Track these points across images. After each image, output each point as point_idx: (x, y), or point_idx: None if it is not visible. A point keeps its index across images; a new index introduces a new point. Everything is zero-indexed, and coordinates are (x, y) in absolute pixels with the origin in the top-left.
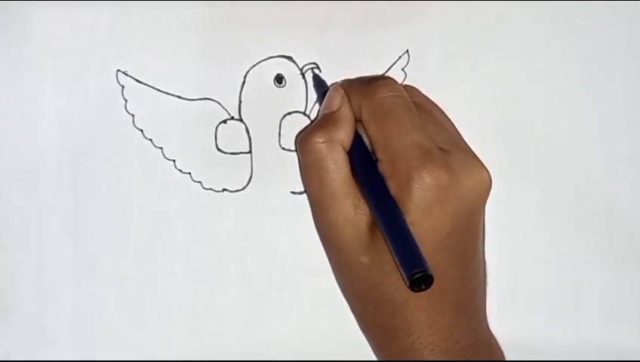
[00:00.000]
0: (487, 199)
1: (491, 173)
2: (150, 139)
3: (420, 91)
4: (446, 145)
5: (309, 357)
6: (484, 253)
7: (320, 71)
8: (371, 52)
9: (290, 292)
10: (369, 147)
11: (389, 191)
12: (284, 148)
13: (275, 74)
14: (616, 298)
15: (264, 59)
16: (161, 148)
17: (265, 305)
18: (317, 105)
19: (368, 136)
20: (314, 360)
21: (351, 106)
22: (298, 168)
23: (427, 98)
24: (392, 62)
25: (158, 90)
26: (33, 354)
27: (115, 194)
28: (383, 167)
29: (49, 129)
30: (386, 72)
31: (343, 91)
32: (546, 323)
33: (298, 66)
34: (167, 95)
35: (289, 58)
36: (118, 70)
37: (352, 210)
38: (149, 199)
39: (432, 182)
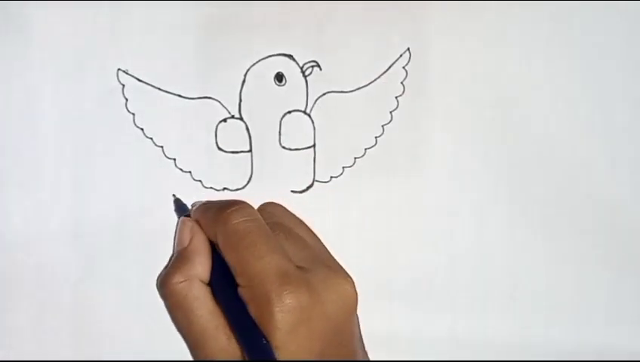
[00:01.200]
0: (354, 311)
1: (491, 173)
2: (151, 138)
3: (282, 208)
4: (306, 264)
5: None
6: (363, 349)
7: (320, 69)
8: (372, 50)
9: None
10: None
11: (250, 317)
12: (284, 147)
13: (275, 72)
14: (616, 298)
15: (264, 58)
16: (162, 146)
17: None
18: (317, 105)
19: (227, 262)
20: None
21: (205, 234)
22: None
23: (290, 215)
24: (393, 61)
25: (159, 88)
26: (33, 354)
27: (115, 193)
28: (244, 292)
29: (49, 128)
30: (387, 70)
31: (191, 224)
32: (546, 323)
33: (298, 65)
34: (167, 94)
35: (289, 56)
36: (119, 69)
37: (226, 341)
38: (149, 198)
39: (293, 304)
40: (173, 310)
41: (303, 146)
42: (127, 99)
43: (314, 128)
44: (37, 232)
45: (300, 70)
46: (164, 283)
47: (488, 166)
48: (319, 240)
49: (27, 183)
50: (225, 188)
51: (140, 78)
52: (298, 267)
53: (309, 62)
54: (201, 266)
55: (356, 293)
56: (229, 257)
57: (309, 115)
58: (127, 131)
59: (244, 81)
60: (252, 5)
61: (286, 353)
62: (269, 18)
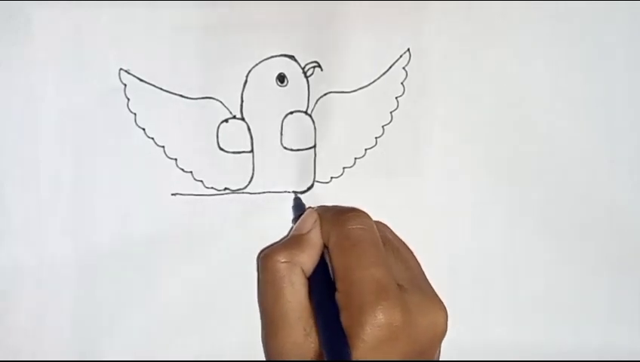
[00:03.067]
0: (441, 340)
1: (491, 173)
2: (152, 138)
3: (390, 229)
4: (406, 284)
5: None
6: None
7: (322, 69)
8: (373, 50)
9: None
10: (332, 276)
11: (340, 323)
12: (285, 148)
13: (277, 73)
14: (616, 298)
15: (266, 59)
16: (163, 146)
17: None
18: (318, 105)
19: (331, 265)
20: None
21: (322, 232)
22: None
23: (397, 236)
24: (393, 61)
25: (161, 88)
26: (33, 354)
27: (116, 193)
28: (340, 298)
29: (50, 128)
30: (387, 70)
31: (317, 216)
32: (546, 323)
33: (300, 65)
34: (169, 94)
35: (291, 57)
36: (121, 69)
37: (302, 336)
38: (150, 198)
39: (384, 320)
40: (265, 285)
41: (304, 147)
42: (128, 99)
43: (315, 129)
44: (37, 232)
45: (301, 71)
46: (268, 257)
47: (488, 166)
48: (419, 265)
49: (27, 183)
50: (226, 189)
51: (142, 78)
52: (398, 285)
53: (311, 62)
54: (309, 257)
55: (447, 324)
56: (337, 259)
57: (310, 116)
58: (129, 131)
59: (245, 82)
60: (254, 6)
61: None
62: (271, 19)
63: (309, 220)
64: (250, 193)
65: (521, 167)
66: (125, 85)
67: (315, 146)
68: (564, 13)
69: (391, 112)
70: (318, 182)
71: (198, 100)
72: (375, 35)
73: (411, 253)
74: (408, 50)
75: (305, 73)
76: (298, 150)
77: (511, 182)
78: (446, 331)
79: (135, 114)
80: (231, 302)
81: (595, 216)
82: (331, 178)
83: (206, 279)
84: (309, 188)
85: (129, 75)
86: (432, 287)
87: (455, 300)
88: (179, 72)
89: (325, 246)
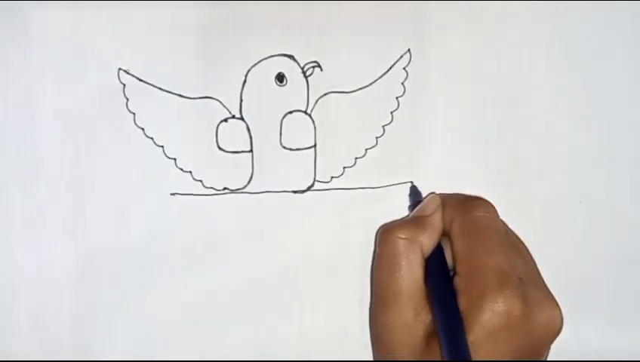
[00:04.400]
0: (554, 339)
1: (491, 173)
2: (151, 138)
3: (508, 226)
4: (525, 277)
5: (309, 357)
6: None
7: (321, 69)
8: (373, 51)
9: (290, 292)
10: (449, 262)
11: (457, 305)
12: (285, 147)
13: (276, 72)
14: (616, 298)
15: (265, 58)
16: (162, 146)
17: (265, 305)
18: (318, 105)
19: (453, 249)
20: (314, 359)
21: (443, 218)
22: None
23: (514, 233)
24: (394, 62)
25: (160, 88)
26: (33, 354)
27: (115, 192)
28: (459, 282)
29: (50, 128)
30: (388, 70)
31: (440, 201)
32: None
33: (299, 65)
34: (168, 93)
35: (290, 57)
36: (120, 68)
37: (412, 315)
38: (149, 198)
39: (504, 308)
40: (382, 259)
41: (304, 146)
42: (127, 99)
43: (315, 128)
44: (37, 232)
45: (300, 70)
46: (388, 231)
47: (488, 166)
48: (535, 263)
49: (27, 183)
50: (225, 188)
51: (141, 78)
52: (518, 278)
53: (310, 62)
54: (429, 238)
55: (563, 323)
56: (460, 243)
57: (310, 115)
58: (128, 131)
59: (245, 81)
60: (253, 5)
61: (479, 352)
62: (270, 18)
63: (432, 203)
64: (250, 193)
65: (521, 167)
66: (124, 85)
67: (315, 146)
68: (565, 12)
69: (391, 112)
70: (318, 181)
71: (197, 100)
72: (375, 35)
73: (528, 249)
74: (409, 50)
75: (304, 73)
76: (297, 149)
77: (511, 182)
78: (561, 331)
79: (134, 114)
80: (231, 302)
81: (595, 215)
82: (331, 177)
83: (205, 279)
84: (309, 188)
85: (128, 75)
86: (547, 286)
87: None
88: (178, 72)
89: (444, 234)
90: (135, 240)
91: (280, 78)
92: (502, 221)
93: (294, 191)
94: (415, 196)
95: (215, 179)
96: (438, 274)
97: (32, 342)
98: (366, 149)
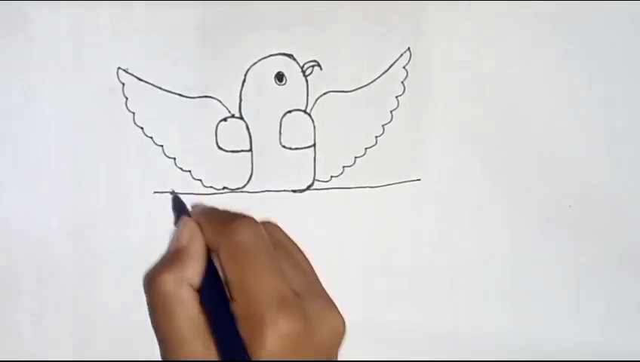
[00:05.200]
0: (340, 345)
1: (491, 173)
2: (150, 137)
3: (282, 230)
4: (302, 290)
5: None
6: None
7: (321, 68)
8: (372, 50)
9: None
10: (224, 281)
11: (237, 333)
12: (284, 147)
13: (275, 72)
14: (616, 298)
15: (265, 57)
16: (162, 146)
17: None
18: (318, 104)
19: (224, 275)
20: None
21: (204, 239)
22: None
23: (289, 238)
24: (394, 60)
25: (159, 87)
26: (33, 354)
27: (115, 192)
28: (237, 307)
29: (49, 127)
30: (388, 69)
31: (193, 225)
32: (545, 322)
33: (299, 64)
34: (167, 93)
35: (290, 56)
36: (119, 68)
37: (202, 352)
38: (149, 197)
39: (287, 330)
40: (156, 308)
41: (304, 146)
42: (127, 98)
43: (314, 127)
44: (37, 232)
45: (300, 69)
46: (152, 280)
47: (488, 166)
48: (313, 268)
49: (27, 183)
50: (225, 188)
51: (140, 77)
52: (294, 292)
53: (310, 61)
54: (193, 270)
55: (345, 328)
56: (229, 270)
57: (310, 115)
58: (127, 130)
59: (244, 81)
60: (252, 4)
61: None
62: (270, 17)
63: (186, 231)
64: (249, 192)
65: (521, 167)
66: (123, 84)
67: (314, 145)
68: (565, 12)
69: (391, 111)
70: (317, 180)
71: (197, 99)
72: (375, 34)
73: (303, 254)
74: (409, 49)
75: (304, 72)
76: (297, 149)
77: (511, 182)
78: (344, 335)
79: (133, 113)
80: None
81: (595, 215)
82: (331, 177)
83: None
84: (308, 187)
85: (127, 74)
86: (326, 291)
87: (455, 300)
88: (177, 71)
89: (212, 251)
90: (134, 239)
91: (279, 77)
92: (275, 229)
93: (294, 191)
94: (178, 208)
95: (214, 178)
96: (214, 304)
97: (32, 342)
98: (366, 148)
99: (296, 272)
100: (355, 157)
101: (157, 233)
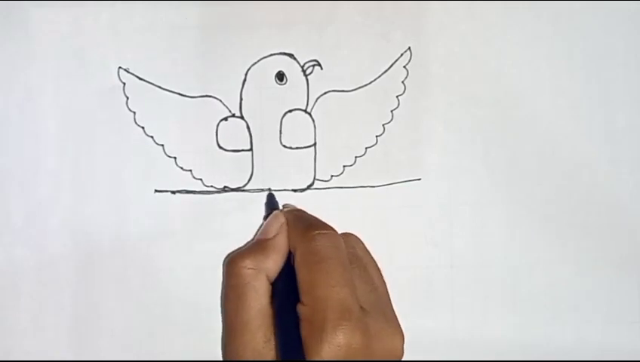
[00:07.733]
0: None
1: (491, 173)
2: (151, 137)
3: (362, 244)
4: (368, 306)
5: None
6: None
7: (321, 68)
8: (373, 49)
9: None
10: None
11: (299, 333)
12: (285, 146)
13: (276, 71)
14: (616, 298)
15: (265, 57)
16: (162, 145)
17: None
18: (318, 104)
19: (297, 277)
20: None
21: (288, 237)
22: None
23: (367, 253)
24: (394, 60)
25: (160, 87)
26: (33, 354)
27: (115, 191)
28: (303, 310)
29: (50, 127)
30: (388, 69)
31: (283, 220)
32: (545, 323)
33: (299, 64)
34: (168, 92)
35: (290, 55)
36: (120, 67)
37: (262, 343)
38: (149, 196)
39: (344, 341)
40: (230, 290)
41: (304, 145)
42: (127, 98)
43: (314, 127)
44: (37, 232)
45: (300, 69)
46: (233, 262)
47: (488, 166)
48: (385, 286)
49: (27, 183)
50: (225, 187)
51: (141, 77)
52: (361, 307)
53: (310, 61)
54: (273, 262)
55: (403, 349)
56: (302, 273)
57: (310, 114)
58: (128, 130)
59: (245, 80)
60: (253, 4)
61: None
62: (270, 17)
63: (275, 224)
64: (250, 191)
65: (521, 167)
66: (124, 84)
67: (315, 144)
68: (565, 12)
69: (391, 111)
70: (318, 180)
71: (198, 99)
72: (375, 34)
73: (379, 271)
74: (409, 48)
75: (304, 71)
76: (297, 148)
77: (511, 182)
78: (402, 356)
79: (134, 112)
80: None
81: (594, 216)
82: (331, 176)
83: (205, 278)
84: (309, 187)
85: (128, 74)
86: (393, 310)
87: (455, 300)
88: (178, 71)
89: (291, 251)
90: (135, 238)
91: (280, 76)
92: (356, 242)
93: (294, 190)
94: (271, 205)
95: (215, 177)
96: (283, 300)
97: (32, 342)
98: (366, 148)
99: (366, 287)
100: (356, 157)
101: (157, 232)
